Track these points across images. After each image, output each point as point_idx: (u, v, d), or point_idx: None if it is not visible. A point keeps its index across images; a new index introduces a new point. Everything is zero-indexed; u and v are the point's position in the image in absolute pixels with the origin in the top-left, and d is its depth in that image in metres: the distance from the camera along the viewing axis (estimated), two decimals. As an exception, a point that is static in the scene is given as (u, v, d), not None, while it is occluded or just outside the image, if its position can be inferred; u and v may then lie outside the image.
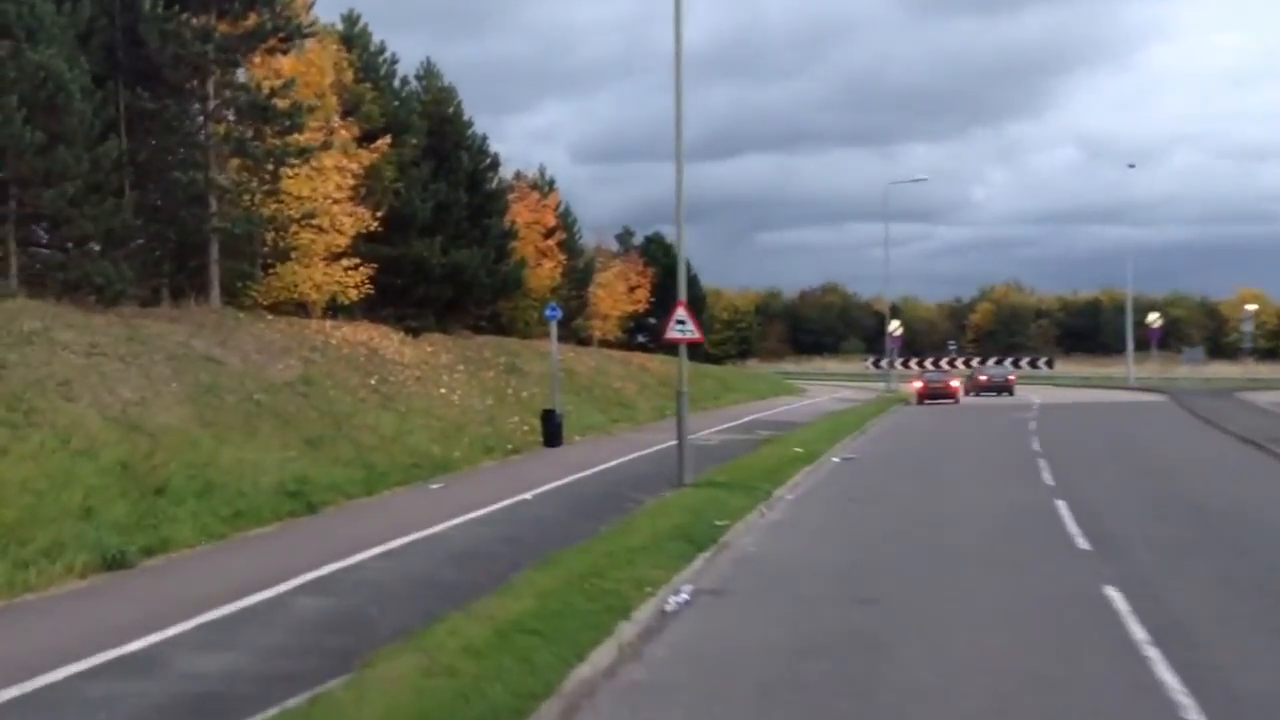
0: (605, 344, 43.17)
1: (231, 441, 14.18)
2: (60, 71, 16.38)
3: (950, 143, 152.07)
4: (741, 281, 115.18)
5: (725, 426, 28.12)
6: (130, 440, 12.60)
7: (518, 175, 38.56)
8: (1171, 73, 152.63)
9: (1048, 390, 56.32)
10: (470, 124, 30.76)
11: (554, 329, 23.26)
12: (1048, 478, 17.47)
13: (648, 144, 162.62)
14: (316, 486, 13.90)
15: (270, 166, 21.22)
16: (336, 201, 22.09)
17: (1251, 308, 54.26)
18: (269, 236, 21.93)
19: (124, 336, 15.97)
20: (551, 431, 22.06)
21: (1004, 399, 44.94)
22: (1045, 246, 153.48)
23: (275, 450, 14.66)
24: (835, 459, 21.07)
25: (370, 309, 26.62)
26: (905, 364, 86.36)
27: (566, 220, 40.82)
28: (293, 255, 21.96)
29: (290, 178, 21.26)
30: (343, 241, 22.29)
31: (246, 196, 21.34)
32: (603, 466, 18.58)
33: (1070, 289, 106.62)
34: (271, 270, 22.42)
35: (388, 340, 24.14)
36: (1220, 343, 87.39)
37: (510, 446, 21.08)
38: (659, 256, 52.86)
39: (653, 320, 51.45)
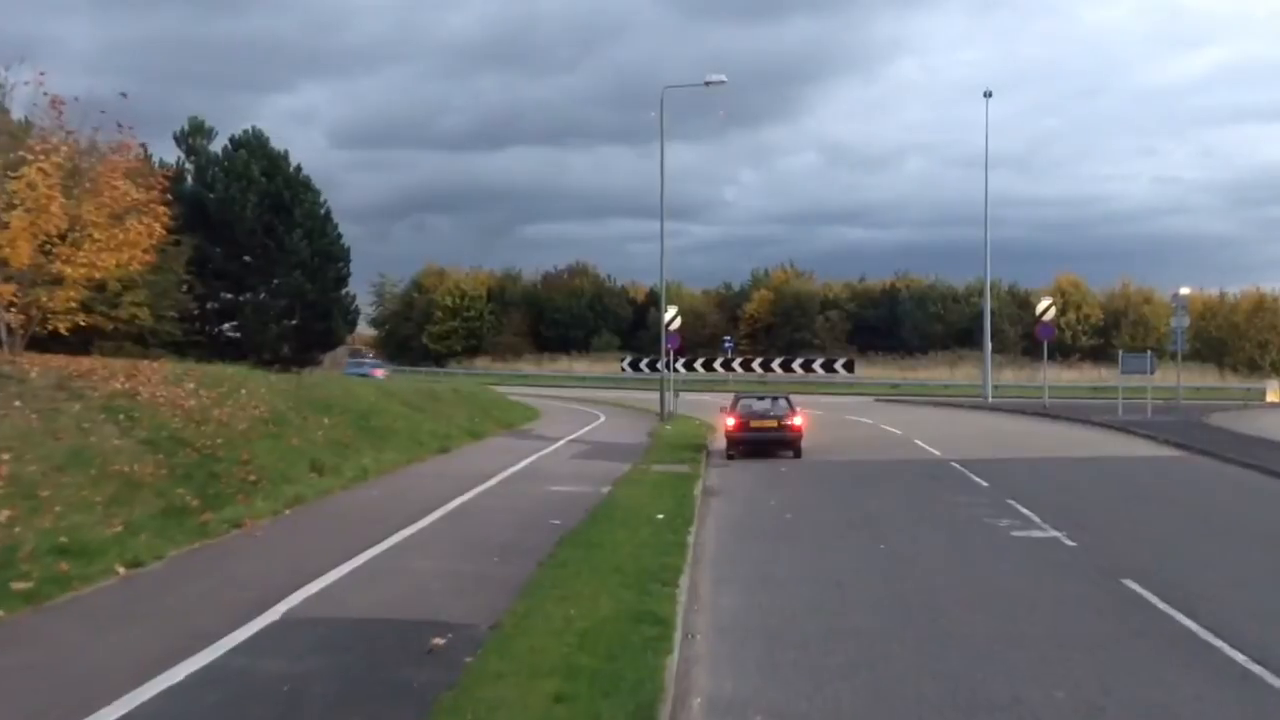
0: (57, 337, 18.75)
1: None
2: None
3: (708, 144, 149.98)
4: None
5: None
6: None
7: None
8: (911, 85, 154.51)
9: (897, 413, 36.99)
10: None
11: None
12: None
13: (412, 131, 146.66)
14: None
15: None
16: None
17: (1185, 291, 36.85)
18: None
19: None
20: None
21: (850, 453, 24.45)
22: (790, 245, 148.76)
23: None
24: None
25: None
26: (689, 366, 66.63)
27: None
28: None
29: None
30: None
31: None
32: None
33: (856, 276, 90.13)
34: None
35: None
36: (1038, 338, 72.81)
37: None
38: (251, 171, 28.84)
39: (201, 308, 27.78)
